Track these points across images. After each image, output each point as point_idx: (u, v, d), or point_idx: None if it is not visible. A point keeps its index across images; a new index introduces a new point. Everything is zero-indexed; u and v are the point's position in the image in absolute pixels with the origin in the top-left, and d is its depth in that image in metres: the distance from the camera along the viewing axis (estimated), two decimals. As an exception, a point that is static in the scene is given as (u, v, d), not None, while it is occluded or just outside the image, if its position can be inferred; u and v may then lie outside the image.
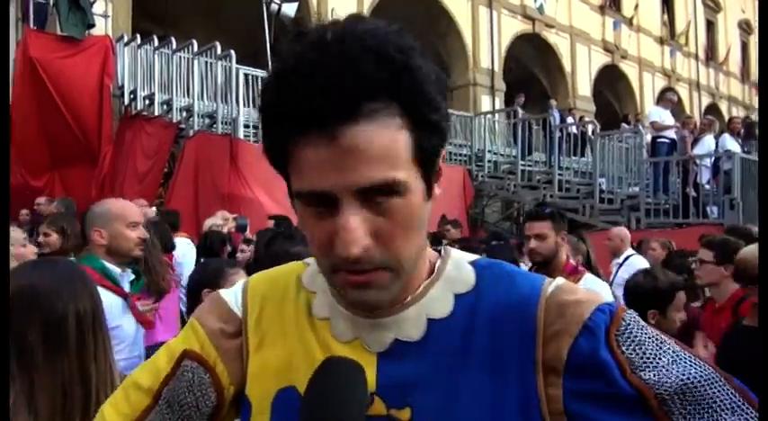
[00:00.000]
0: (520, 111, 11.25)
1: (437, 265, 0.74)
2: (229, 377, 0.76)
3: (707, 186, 8.63)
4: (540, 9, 16.69)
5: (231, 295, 0.80)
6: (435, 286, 0.72)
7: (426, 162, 0.65)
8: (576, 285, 0.74)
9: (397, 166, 0.62)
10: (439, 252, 0.77)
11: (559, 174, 10.16)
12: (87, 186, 7.91)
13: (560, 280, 0.73)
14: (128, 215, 2.43)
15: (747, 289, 2.47)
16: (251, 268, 2.51)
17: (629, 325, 0.68)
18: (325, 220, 0.63)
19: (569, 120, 12.24)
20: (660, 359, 0.66)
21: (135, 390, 0.79)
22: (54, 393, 1.13)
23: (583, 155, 11.33)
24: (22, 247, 2.63)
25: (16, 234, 2.63)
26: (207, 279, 2.10)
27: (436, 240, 5.15)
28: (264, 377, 0.75)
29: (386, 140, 0.60)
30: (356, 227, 0.61)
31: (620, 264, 5.12)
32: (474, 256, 0.77)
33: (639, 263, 4.74)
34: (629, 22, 19.77)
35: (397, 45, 0.60)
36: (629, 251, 5.28)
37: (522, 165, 10.59)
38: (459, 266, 0.74)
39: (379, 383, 0.69)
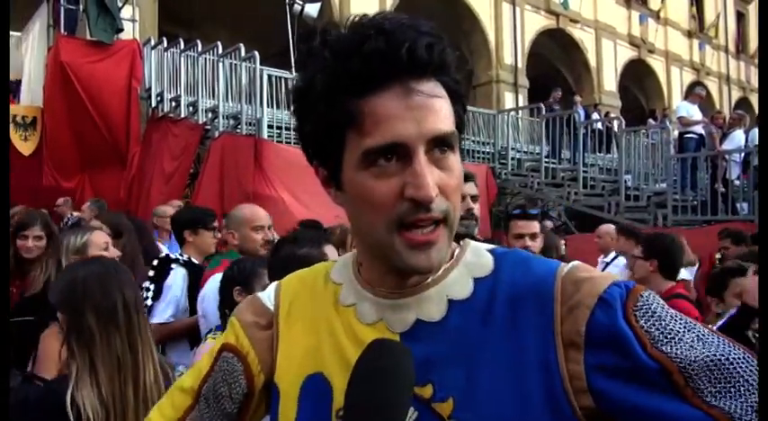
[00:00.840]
0: (543, 108, 11.14)
1: (456, 252, 0.78)
2: (260, 365, 0.81)
3: (736, 182, 8.44)
4: (565, 4, 16.47)
5: (266, 293, 0.86)
6: (455, 270, 0.75)
7: (459, 131, 0.71)
8: (590, 266, 0.75)
9: (452, 123, 0.69)
10: (458, 242, 0.80)
11: (584, 172, 10.04)
12: (116, 187, 8.09)
13: (576, 262, 0.75)
14: (254, 219, 2.80)
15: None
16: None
17: (647, 300, 0.68)
18: (393, 176, 0.67)
19: (594, 116, 12.09)
20: (684, 335, 0.65)
21: (179, 393, 0.85)
22: (111, 364, 1.43)
23: (608, 151, 11.19)
24: (104, 251, 2.58)
25: (98, 237, 2.64)
26: (240, 277, 2.14)
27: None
28: (293, 364, 0.78)
29: (443, 99, 0.69)
30: (430, 172, 0.66)
31: (608, 263, 5.06)
32: (491, 246, 0.80)
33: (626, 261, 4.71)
34: (657, 16, 19.39)
35: (430, 24, 0.69)
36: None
37: (546, 162, 10.49)
38: (478, 253, 0.78)
39: None
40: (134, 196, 8.05)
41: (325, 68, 0.67)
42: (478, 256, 0.77)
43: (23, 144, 8.30)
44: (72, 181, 8.38)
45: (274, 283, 0.87)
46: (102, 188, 8.13)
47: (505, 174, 10.74)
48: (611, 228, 5.51)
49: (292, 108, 0.75)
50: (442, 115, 0.68)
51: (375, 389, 0.61)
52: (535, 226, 2.76)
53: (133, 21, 9.36)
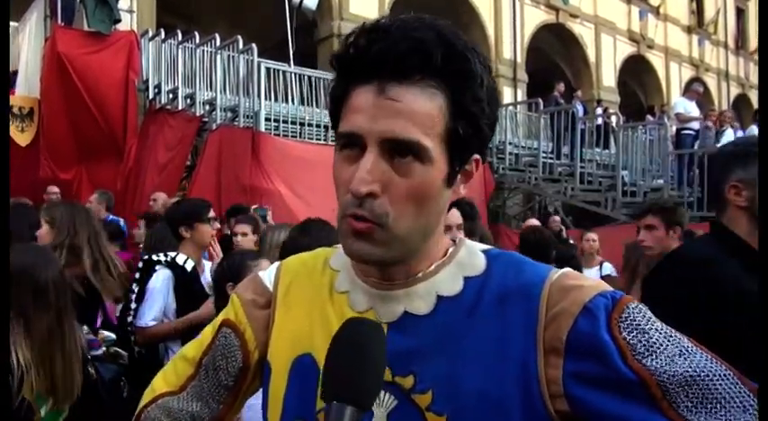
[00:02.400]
0: (542, 103, 11.13)
1: (450, 250, 0.79)
2: (255, 342, 0.84)
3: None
4: (565, -1, 16.44)
5: (267, 273, 0.89)
6: (447, 267, 0.77)
7: (456, 148, 0.71)
8: (582, 274, 0.77)
9: (427, 134, 0.69)
10: (454, 241, 0.81)
11: (582, 167, 10.05)
12: (113, 179, 8.07)
13: (567, 269, 0.76)
14: None
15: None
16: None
17: (632, 312, 0.68)
18: (351, 165, 0.70)
19: (598, 110, 12.04)
20: (666, 349, 0.66)
21: (182, 361, 0.90)
22: (42, 330, 1.74)
23: (606, 147, 11.19)
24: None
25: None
26: (230, 272, 2.22)
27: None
28: (285, 344, 0.81)
29: (423, 108, 0.68)
30: (371, 169, 0.68)
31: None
32: (486, 246, 0.81)
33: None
34: (656, 11, 19.35)
35: (463, 40, 0.70)
36: None
37: (544, 157, 10.49)
38: (472, 253, 0.79)
39: (387, 351, 0.73)
40: (131, 188, 8.03)
41: (341, 48, 0.73)
42: (472, 256, 0.78)
43: (20, 135, 8.26)
44: (69, 172, 8.36)
45: (276, 263, 0.90)
46: (100, 180, 8.10)
47: (503, 169, 10.74)
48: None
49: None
50: (407, 120, 0.68)
51: (346, 363, 0.63)
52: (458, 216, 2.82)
53: (131, 12, 9.32)
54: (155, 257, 3.01)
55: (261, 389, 0.86)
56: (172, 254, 3.00)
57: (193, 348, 0.90)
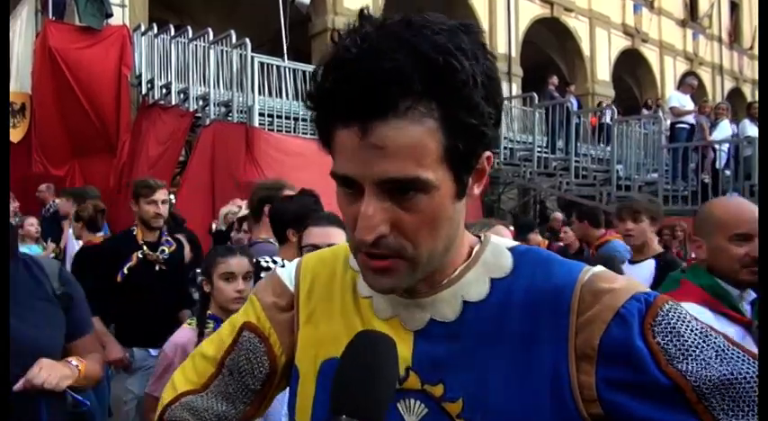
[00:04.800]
0: (537, 98, 11.12)
1: (475, 250, 0.76)
2: (281, 347, 0.83)
3: (727, 172, 8.50)
4: (559, -7, 16.41)
5: (286, 272, 0.87)
6: (472, 270, 0.74)
7: (459, 163, 0.66)
8: (614, 274, 0.73)
9: (424, 165, 0.63)
10: (479, 237, 0.79)
11: (576, 161, 10.06)
12: (106, 175, 8.04)
13: (599, 268, 0.73)
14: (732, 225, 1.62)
15: None
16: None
17: (667, 315, 0.67)
18: (353, 204, 0.67)
19: (607, 110, 11.95)
20: (702, 352, 0.65)
21: (202, 359, 0.88)
22: None
23: (600, 141, 11.20)
24: None
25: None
26: (202, 267, 2.29)
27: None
28: (312, 348, 0.80)
29: (414, 139, 0.62)
30: (372, 214, 0.64)
31: None
32: (513, 242, 0.79)
33: None
34: (650, 5, 19.35)
35: (439, 44, 0.61)
36: None
37: (539, 151, 10.50)
38: (498, 252, 0.76)
39: (414, 359, 0.73)
40: (124, 184, 7.99)
41: (317, 82, 0.66)
42: (498, 256, 0.76)
43: (12, 131, 8.20)
44: (62, 168, 8.32)
45: (295, 261, 0.89)
46: (92, 176, 8.07)
47: (498, 163, 10.74)
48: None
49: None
50: (399, 159, 0.62)
51: (358, 375, 0.63)
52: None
53: (122, 6, 9.25)
54: (263, 263, 2.64)
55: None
56: (278, 258, 2.64)
57: (213, 347, 0.88)
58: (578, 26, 17.24)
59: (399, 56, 0.60)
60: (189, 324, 2.23)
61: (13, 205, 5.53)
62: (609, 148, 10.29)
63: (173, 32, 8.46)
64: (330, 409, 0.63)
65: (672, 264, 3.16)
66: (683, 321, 0.67)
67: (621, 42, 18.63)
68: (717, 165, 8.39)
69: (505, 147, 10.93)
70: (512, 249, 0.77)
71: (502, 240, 0.79)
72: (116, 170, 8.13)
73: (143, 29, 8.96)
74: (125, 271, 3.21)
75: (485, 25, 14.96)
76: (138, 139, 8.19)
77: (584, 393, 0.67)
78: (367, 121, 0.62)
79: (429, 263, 0.69)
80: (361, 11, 0.66)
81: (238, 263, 2.19)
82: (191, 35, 8.29)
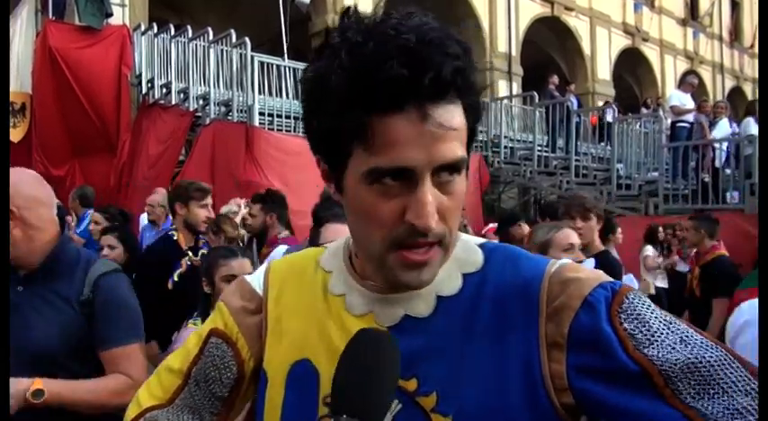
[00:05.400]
0: (537, 97, 11.11)
1: None
2: (249, 351, 0.82)
3: (727, 171, 8.49)
4: (559, -8, 16.38)
5: (254, 277, 0.86)
6: (445, 266, 0.75)
7: (470, 143, 0.71)
8: (580, 265, 0.75)
9: (463, 146, 0.68)
10: None
11: (577, 160, 10.05)
12: (106, 175, 8.04)
13: (565, 260, 0.75)
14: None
15: None
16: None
17: (632, 302, 0.68)
18: (396, 197, 0.66)
19: (609, 109, 11.96)
20: (667, 337, 0.66)
21: (167, 373, 0.86)
22: None
23: (601, 140, 11.20)
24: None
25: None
26: (203, 269, 2.27)
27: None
28: (281, 350, 0.79)
29: (459, 121, 0.67)
30: (432, 201, 0.65)
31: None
32: (482, 239, 0.80)
33: None
34: (651, 4, 19.33)
35: (457, 38, 0.66)
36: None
37: (539, 150, 10.49)
38: (468, 248, 0.78)
39: None
40: (124, 184, 7.99)
41: (339, 71, 0.63)
42: (468, 251, 0.77)
43: (12, 131, 8.20)
44: (62, 168, 8.31)
45: (263, 266, 0.88)
46: (93, 176, 8.07)
47: (498, 162, 10.73)
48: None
49: (301, 97, 0.71)
50: (454, 142, 0.66)
51: (362, 380, 0.63)
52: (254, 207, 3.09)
53: (123, 5, 9.24)
54: None
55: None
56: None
57: (179, 359, 0.86)
58: (579, 25, 17.23)
59: (452, 49, 0.63)
60: (193, 324, 2.22)
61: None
62: (609, 147, 10.29)
63: (173, 32, 8.46)
64: (331, 408, 0.63)
65: (612, 263, 3.10)
66: (648, 308, 0.68)
67: (622, 41, 18.61)
68: (716, 164, 8.37)
69: (506, 147, 10.92)
70: (482, 246, 0.78)
71: (471, 238, 0.80)
72: (116, 170, 8.13)
73: (143, 28, 8.95)
74: (175, 278, 3.05)
75: (485, 24, 14.96)
76: (139, 139, 8.19)
77: (555, 382, 0.67)
78: (428, 104, 0.63)
79: (449, 251, 0.72)
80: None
81: (240, 264, 2.18)
82: (191, 34, 8.28)
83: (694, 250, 4.97)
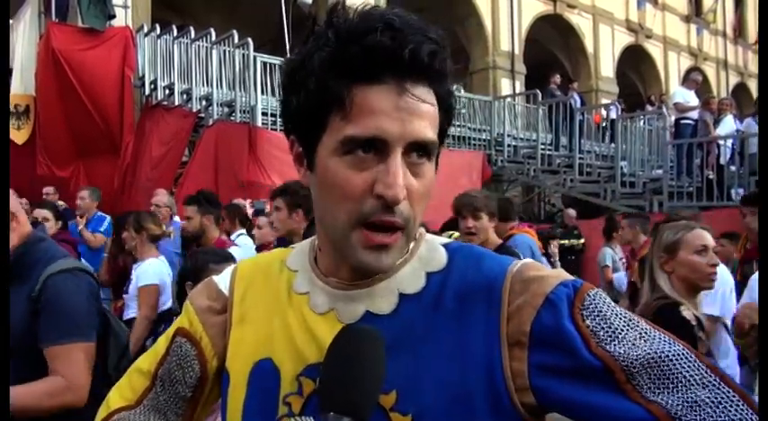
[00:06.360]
0: (540, 95, 11.09)
1: (411, 246, 0.77)
2: (213, 349, 0.82)
3: (732, 168, 8.45)
4: (562, -11, 16.34)
5: (222, 277, 0.86)
6: (409, 263, 0.75)
7: (441, 140, 0.71)
8: (542, 264, 0.76)
9: (434, 131, 0.69)
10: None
11: (580, 158, 10.03)
12: (110, 176, 8.06)
13: (528, 260, 0.76)
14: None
15: None
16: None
17: (594, 299, 0.68)
18: (367, 169, 0.67)
19: (610, 107, 11.98)
20: (627, 333, 0.67)
21: (137, 375, 0.87)
22: None
23: (605, 138, 11.17)
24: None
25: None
26: (191, 272, 2.16)
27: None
28: (243, 349, 0.79)
29: (433, 107, 0.69)
30: (402, 173, 0.66)
31: None
32: (446, 240, 0.81)
33: None
34: (654, 1, 19.27)
35: (439, 33, 0.68)
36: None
37: (543, 149, 10.47)
38: (432, 248, 0.78)
39: None
40: (127, 185, 8.02)
41: (325, 48, 0.67)
42: (432, 251, 0.77)
43: (17, 133, 8.24)
44: (66, 170, 8.35)
45: (231, 267, 0.88)
46: (97, 177, 8.09)
47: (501, 160, 10.72)
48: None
49: (281, 80, 0.74)
50: (427, 122, 0.68)
51: (346, 372, 0.63)
52: (190, 210, 3.28)
53: (125, 7, 9.27)
54: None
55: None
56: None
57: (147, 360, 0.87)
58: (581, 23, 17.18)
59: (432, 34, 0.67)
60: None
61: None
62: (613, 145, 10.26)
63: (175, 33, 8.48)
64: (318, 406, 0.63)
65: (511, 254, 3.14)
66: (609, 306, 0.69)
67: (625, 38, 18.55)
68: (721, 161, 8.34)
69: (509, 145, 10.91)
70: (446, 246, 0.78)
71: (436, 237, 0.80)
72: (120, 171, 8.15)
73: (146, 30, 8.97)
74: None
75: (487, 23, 14.94)
76: (142, 140, 8.22)
77: (516, 382, 0.67)
78: (409, 80, 0.66)
79: (411, 240, 0.72)
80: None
81: None
82: (193, 35, 8.30)
83: (630, 247, 5.29)
